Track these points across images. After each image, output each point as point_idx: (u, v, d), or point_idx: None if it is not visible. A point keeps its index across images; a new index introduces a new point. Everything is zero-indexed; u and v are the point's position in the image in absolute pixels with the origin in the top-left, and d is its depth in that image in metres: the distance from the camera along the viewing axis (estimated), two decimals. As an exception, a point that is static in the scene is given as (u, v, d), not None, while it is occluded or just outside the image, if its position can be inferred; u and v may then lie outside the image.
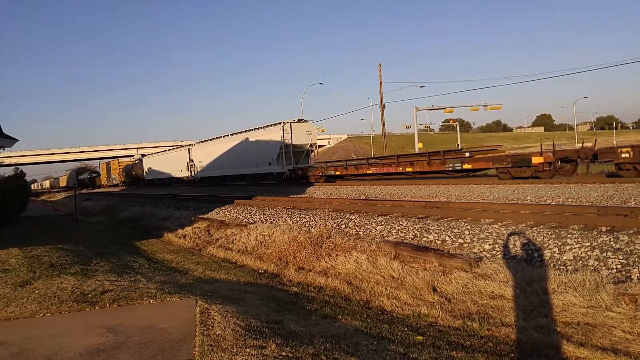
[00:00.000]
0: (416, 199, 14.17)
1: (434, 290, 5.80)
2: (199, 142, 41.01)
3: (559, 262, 6.18)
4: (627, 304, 4.41)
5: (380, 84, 35.68)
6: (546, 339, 4.19)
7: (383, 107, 35.28)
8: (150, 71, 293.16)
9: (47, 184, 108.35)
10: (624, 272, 5.47)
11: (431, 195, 14.95)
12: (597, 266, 5.80)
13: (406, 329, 4.79)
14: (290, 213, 13.57)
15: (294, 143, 28.77)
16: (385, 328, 4.76)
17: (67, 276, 6.45)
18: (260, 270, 8.37)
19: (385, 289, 6.17)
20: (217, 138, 37.21)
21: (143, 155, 59.82)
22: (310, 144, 30.11)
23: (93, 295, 5.35)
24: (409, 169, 23.65)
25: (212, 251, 10.71)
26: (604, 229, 7.32)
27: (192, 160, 41.07)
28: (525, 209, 9.72)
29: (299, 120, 29.96)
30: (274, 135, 29.41)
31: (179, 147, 47.92)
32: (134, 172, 55.84)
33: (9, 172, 22.89)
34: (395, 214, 11.13)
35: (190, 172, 41.17)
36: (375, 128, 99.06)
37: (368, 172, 26.61)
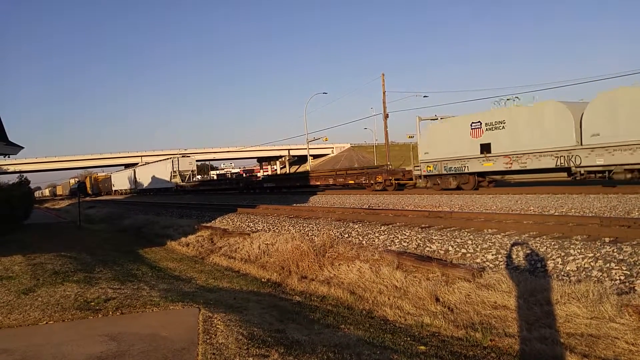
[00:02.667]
0: (419, 209, 14.16)
1: (437, 300, 5.78)
2: (141, 165, 64.86)
3: (562, 273, 6.16)
4: (630, 315, 4.39)
5: (384, 93, 35.78)
6: (549, 350, 4.17)
7: (386, 116, 35.35)
8: (154, 79, 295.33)
9: (47, 192, 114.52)
10: (627, 283, 5.44)
11: (434, 205, 14.94)
12: (601, 277, 5.77)
13: (409, 338, 4.78)
14: (293, 222, 13.58)
15: (180, 169, 50.30)
16: (388, 338, 4.75)
17: (70, 284, 6.47)
18: (263, 279, 8.37)
19: (388, 299, 6.16)
20: (146, 164, 61.28)
21: (111, 173, 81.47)
22: (192, 170, 52.61)
23: (96, 303, 5.36)
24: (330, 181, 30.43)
25: (215, 259, 10.72)
26: (607, 239, 7.30)
27: (135, 178, 61.22)
28: (528, 219, 9.70)
29: (183, 155, 55.37)
30: (169, 164, 50.72)
31: (127, 165, 71.58)
32: (106, 184, 77.53)
33: (13, 179, 23.02)
34: (398, 224, 11.12)
35: (135, 186, 61.08)
36: (378, 137, 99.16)
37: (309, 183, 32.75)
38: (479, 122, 19.36)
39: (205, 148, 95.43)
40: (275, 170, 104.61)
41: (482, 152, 19.09)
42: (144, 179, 57.33)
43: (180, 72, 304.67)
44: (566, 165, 15.99)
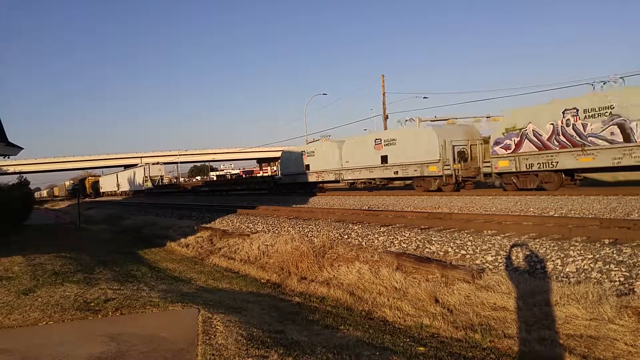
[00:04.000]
0: (419, 210, 14.16)
1: (436, 301, 5.79)
2: (123, 170, 72.65)
3: (562, 274, 6.16)
4: (629, 317, 4.39)
5: (384, 94, 35.79)
6: (549, 351, 4.18)
7: (386, 117, 35.36)
8: (154, 81, 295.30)
9: (44, 193, 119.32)
10: (626, 285, 5.45)
11: (434, 206, 14.94)
12: (600, 278, 5.78)
13: (408, 339, 4.78)
14: (293, 223, 13.58)
15: (151, 175, 59.43)
16: (388, 339, 4.76)
17: (70, 284, 6.47)
18: (262, 280, 8.38)
19: (388, 300, 6.17)
20: (125, 169, 72.32)
21: (99, 177, 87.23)
22: (161, 176, 61.47)
23: (96, 304, 5.37)
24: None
25: (215, 260, 10.72)
26: (606, 241, 7.30)
27: (118, 182, 69.11)
28: (528, 220, 9.70)
29: (155, 163, 63.95)
30: (141, 171, 61.20)
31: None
32: (95, 187, 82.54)
33: (13, 180, 23.01)
34: (397, 225, 11.13)
35: (118, 188, 68.56)
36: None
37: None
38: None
39: (205, 149, 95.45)
40: (275, 171, 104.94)
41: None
42: (124, 183, 66.79)
43: (181, 73, 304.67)
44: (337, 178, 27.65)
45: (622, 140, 14.62)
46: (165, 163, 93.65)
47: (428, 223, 10.79)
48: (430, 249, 8.35)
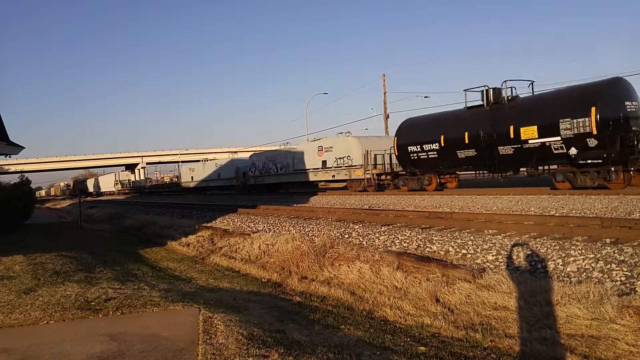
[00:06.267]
0: (419, 209, 14.15)
1: (437, 300, 5.78)
2: (101, 175, 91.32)
3: (563, 274, 6.16)
4: (631, 317, 4.38)
5: (385, 93, 35.79)
6: (550, 351, 4.17)
7: (387, 117, 35.37)
8: (156, 79, 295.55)
9: (43, 192, 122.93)
10: (628, 285, 5.43)
11: (435, 206, 14.93)
12: (601, 278, 5.77)
13: (409, 339, 4.78)
14: (293, 222, 13.58)
15: (120, 179, 76.94)
16: (388, 338, 4.75)
17: (70, 283, 6.48)
18: (263, 279, 8.38)
19: (388, 299, 6.17)
20: (105, 174, 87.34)
21: (87, 179, 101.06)
22: (128, 180, 77.98)
23: (96, 303, 5.37)
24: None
25: (216, 260, 10.73)
26: (608, 240, 7.29)
27: (98, 183, 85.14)
28: (529, 219, 9.69)
29: (124, 170, 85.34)
30: (114, 176, 79.40)
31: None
32: (83, 187, 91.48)
33: (14, 179, 23.05)
34: (398, 224, 11.12)
35: (99, 189, 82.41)
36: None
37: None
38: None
39: (206, 148, 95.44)
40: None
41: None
42: (103, 185, 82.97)
43: (182, 71, 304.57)
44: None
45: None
46: (166, 162, 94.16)
47: (429, 222, 10.78)
48: (431, 248, 8.34)
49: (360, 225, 11.55)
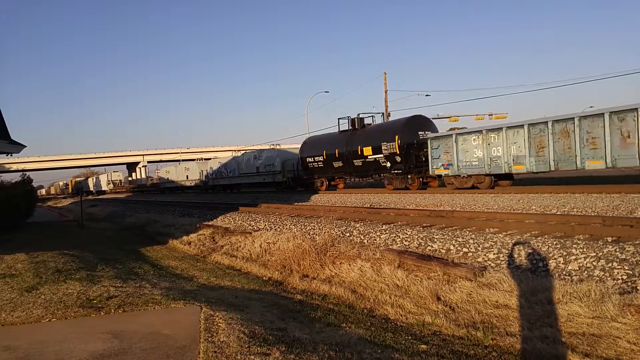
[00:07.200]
0: (421, 208, 14.16)
1: (438, 299, 5.79)
2: (94, 175, 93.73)
3: (564, 272, 6.15)
4: (632, 315, 4.38)
5: (386, 92, 35.76)
6: (551, 349, 4.17)
7: (388, 115, 35.34)
8: (156, 78, 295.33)
9: (43, 191, 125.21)
10: (629, 283, 5.43)
11: (436, 204, 14.93)
12: (603, 277, 5.76)
13: (410, 337, 4.79)
14: (294, 221, 13.59)
15: (113, 179, 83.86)
16: (389, 336, 4.76)
17: (72, 282, 6.50)
18: (264, 278, 8.39)
19: (390, 298, 6.17)
20: (98, 175, 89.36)
21: (82, 179, 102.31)
22: (120, 180, 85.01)
23: (98, 301, 5.39)
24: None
25: (217, 258, 10.74)
26: (609, 239, 7.28)
27: (94, 183, 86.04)
28: (530, 218, 9.69)
29: (115, 171, 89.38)
30: (106, 176, 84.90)
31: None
32: (79, 187, 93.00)
33: (16, 178, 23.09)
34: (399, 223, 11.12)
35: (94, 188, 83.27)
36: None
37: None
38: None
39: (207, 147, 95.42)
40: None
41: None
42: (97, 184, 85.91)
43: (182, 70, 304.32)
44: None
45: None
46: (167, 161, 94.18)
47: (430, 221, 10.78)
48: (432, 246, 8.34)
49: (361, 223, 11.56)
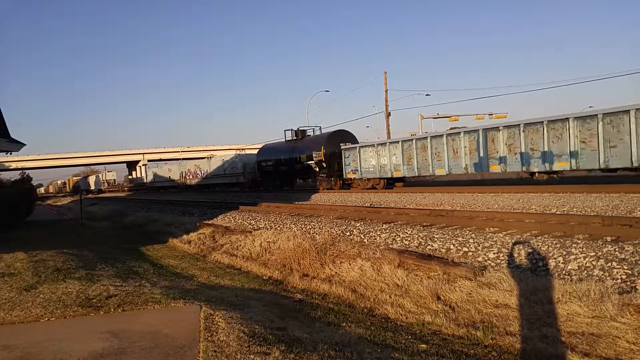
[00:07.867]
0: (421, 207, 14.16)
1: (438, 298, 5.79)
2: (90, 175, 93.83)
3: (564, 272, 6.15)
4: (631, 314, 4.39)
5: (386, 91, 35.75)
6: (550, 349, 4.18)
7: (388, 114, 35.33)
8: (157, 76, 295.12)
9: (42, 189, 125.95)
10: (628, 283, 5.43)
11: (436, 204, 14.94)
12: (602, 276, 5.76)
13: (410, 337, 4.79)
14: (294, 220, 13.59)
15: (107, 179, 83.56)
16: (389, 336, 4.76)
17: (72, 281, 6.49)
18: (264, 277, 8.39)
19: (390, 297, 6.17)
20: (94, 175, 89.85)
21: (79, 179, 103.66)
22: (113, 179, 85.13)
23: (98, 300, 5.38)
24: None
25: (217, 257, 10.74)
26: (609, 238, 7.28)
27: (88, 182, 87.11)
28: (530, 217, 9.68)
29: (109, 171, 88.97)
30: (100, 175, 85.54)
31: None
32: (76, 186, 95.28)
33: (15, 176, 23.08)
34: (399, 222, 11.12)
35: (87, 187, 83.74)
36: (380, 135, 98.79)
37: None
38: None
39: (207, 145, 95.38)
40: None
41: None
42: (91, 183, 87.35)
43: (182, 68, 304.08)
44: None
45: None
46: (168, 159, 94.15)
47: (430, 220, 10.78)
48: (432, 246, 8.34)
49: (362, 223, 11.55)
